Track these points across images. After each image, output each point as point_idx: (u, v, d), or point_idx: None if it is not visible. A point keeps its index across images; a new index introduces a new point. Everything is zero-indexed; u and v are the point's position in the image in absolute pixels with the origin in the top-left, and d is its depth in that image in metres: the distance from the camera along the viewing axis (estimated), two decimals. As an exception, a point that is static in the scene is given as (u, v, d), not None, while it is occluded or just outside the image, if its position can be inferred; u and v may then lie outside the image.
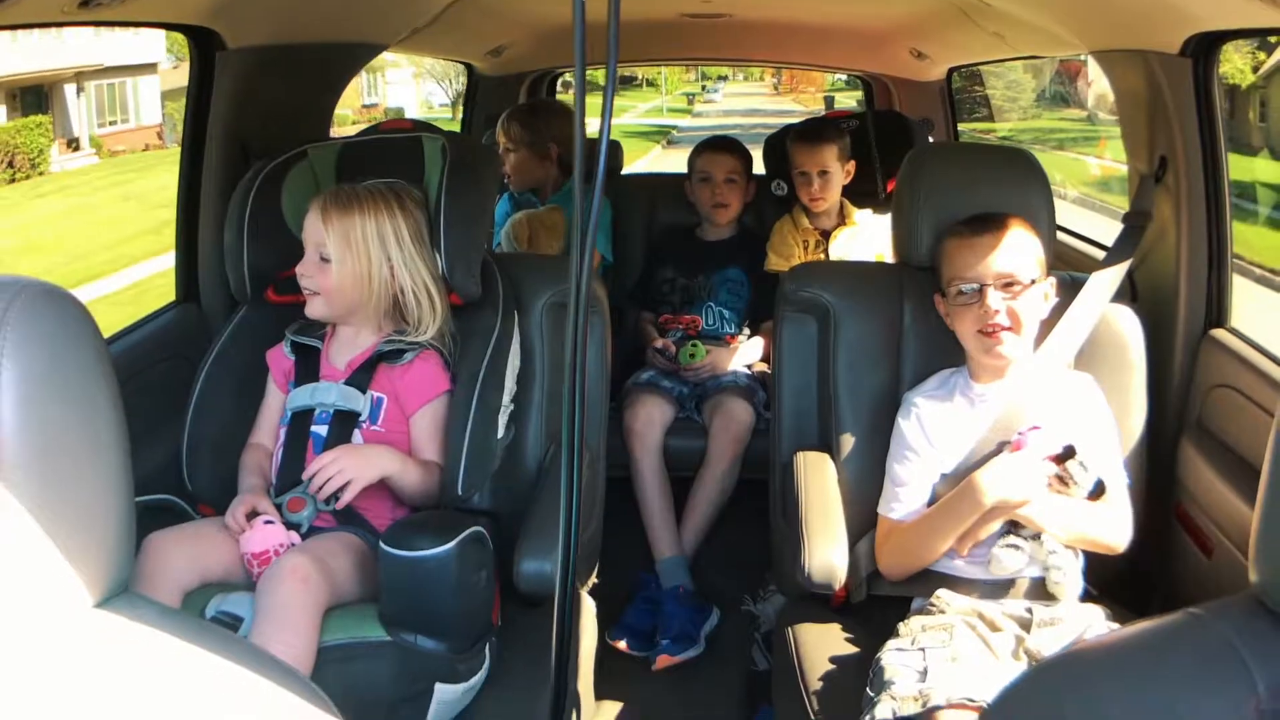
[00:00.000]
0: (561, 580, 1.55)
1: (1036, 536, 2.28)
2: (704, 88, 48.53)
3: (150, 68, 29.80)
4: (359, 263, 2.43)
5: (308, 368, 2.54)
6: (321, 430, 2.46)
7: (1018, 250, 2.40)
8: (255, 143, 2.96)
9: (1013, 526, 2.29)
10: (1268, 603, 1.04)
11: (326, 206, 2.43)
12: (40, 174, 24.80)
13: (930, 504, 2.41)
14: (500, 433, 2.48)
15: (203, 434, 2.55)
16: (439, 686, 2.14)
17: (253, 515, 2.33)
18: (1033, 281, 2.39)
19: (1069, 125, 25.32)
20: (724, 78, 47.02)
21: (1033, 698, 1.15)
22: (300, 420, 2.49)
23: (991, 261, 2.39)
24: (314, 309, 2.48)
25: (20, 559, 1.21)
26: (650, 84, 45.81)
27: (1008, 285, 2.38)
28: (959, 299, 2.42)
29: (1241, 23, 2.32)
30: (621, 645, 3.30)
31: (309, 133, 3.09)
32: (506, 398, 2.51)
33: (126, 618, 1.33)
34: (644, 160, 26.16)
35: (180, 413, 2.56)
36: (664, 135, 33.28)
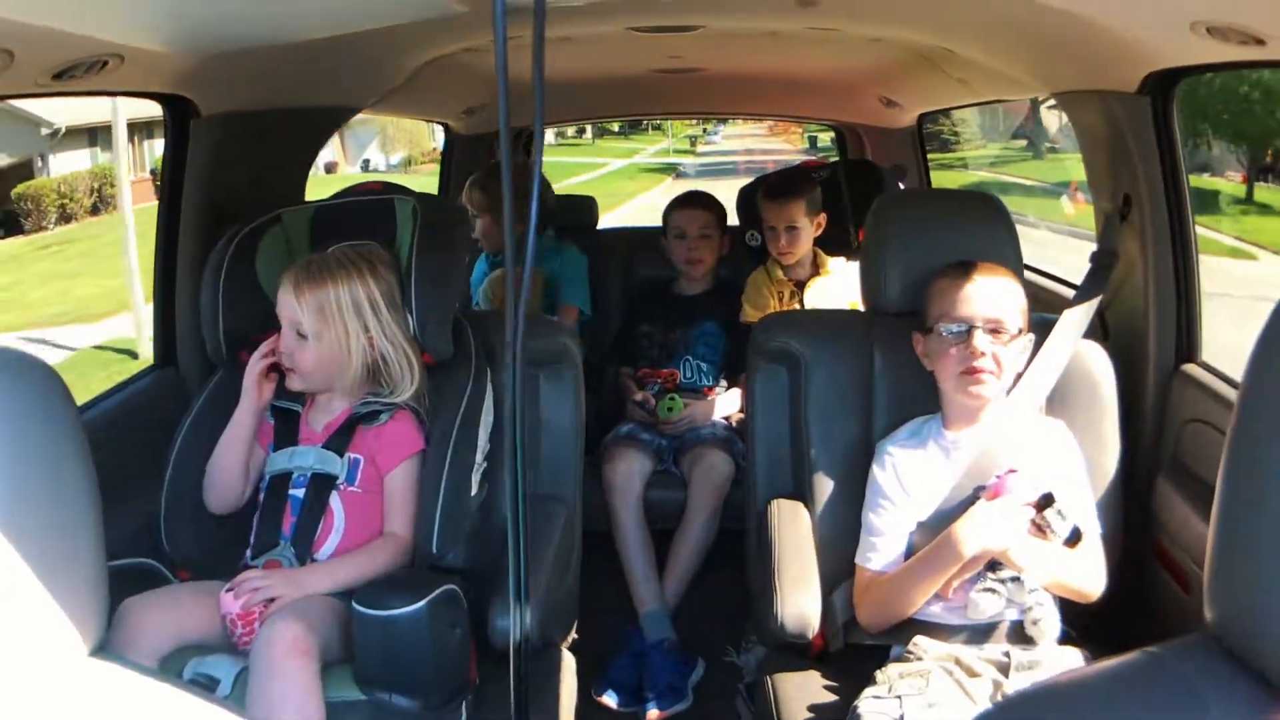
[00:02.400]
0: (514, 633, 1.56)
1: (1015, 579, 2.28)
2: (705, 131, 51.32)
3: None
4: (337, 335, 2.43)
5: (287, 432, 2.55)
6: (299, 493, 2.46)
7: (1006, 297, 2.42)
8: (230, 207, 2.97)
9: (990, 569, 2.29)
10: (1223, 640, 1.04)
11: (299, 281, 2.44)
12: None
13: (907, 552, 2.40)
14: (474, 490, 2.47)
15: (180, 497, 2.54)
16: None
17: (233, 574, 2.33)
18: (1020, 331, 2.41)
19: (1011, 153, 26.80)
20: (723, 122, 48.23)
21: None
22: (279, 483, 2.49)
23: (983, 304, 2.40)
24: (293, 384, 2.49)
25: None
26: (657, 128, 48.77)
27: (995, 331, 2.39)
28: (944, 339, 2.43)
29: (1196, 59, 2.35)
30: (607, 700, 3.27)
31: (284, 196, 3.10)
32: (479, 456, 2.51)
33: (114, 668, 1.33)
34: (658, 189, 28.91)
35: (158, 477, 2.56)
36: (672, 170, 36.88)
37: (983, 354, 2.37)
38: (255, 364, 2.48)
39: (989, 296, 2.41)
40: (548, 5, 1.21)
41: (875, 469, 2.50)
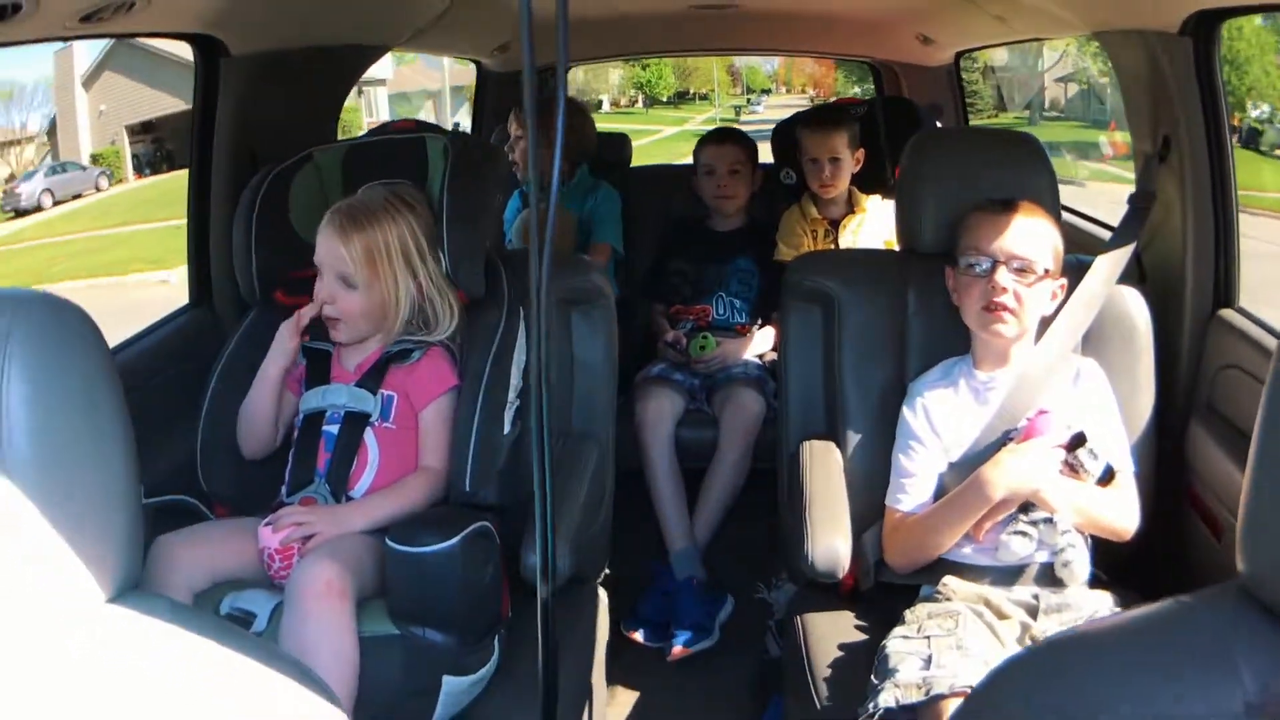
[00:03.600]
0: (541, 568, 1.56)
1: (1047, 520, 2.27)
2: (749, 101, 51.83)
3: (382, 81, 33.25)
4: (386, 284, 2.44)
5: (318, 371, 2.56)
6: (333, 429, 2.48)
7: (1037, 237, 2.40)
8: (262, 147, 2.98)
9: (1022, 511, 2.29)
10: (1255, 593, 1.03)
11: (344, 226, 2.42)
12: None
13: (937, 493, 2.41)
14: (506, 428, 2.48)
15: (216, 436, 2.57)
16: (447, 679, 2.16)
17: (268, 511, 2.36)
18: (1046, 273, 2.39)
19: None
20: (767, 91, 52.20)
21: (1017, 683, 1.15)
22: (312, 422, 2.51)
23: (1009, 240, 2.39)
24: (339, 334, 2.50)
25: (32, 556, 1.24)
26: (704, 99, 50.42)
27: (1021, 270, 2.38)
28: (969, 271, 2.42)
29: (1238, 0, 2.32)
30: (636, 636, 3.31)
31: (315, 136, 3.10)
32: (512, 394, 2.51)
33: (138, 613, 1.35)
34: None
35: (195, 415, 2.58)
36: None
37: (1004, 290, 2.36)
38: (295, 322, 2.47)
39: (1019, 233, 2.40)
40: None
41: (905, 410, 2.50)
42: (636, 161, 5.03)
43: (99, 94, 26.45)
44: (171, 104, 25.27)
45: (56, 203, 24.76)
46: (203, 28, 2.69)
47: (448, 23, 3.71)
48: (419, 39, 3.85)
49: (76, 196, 25.14)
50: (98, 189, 24.88)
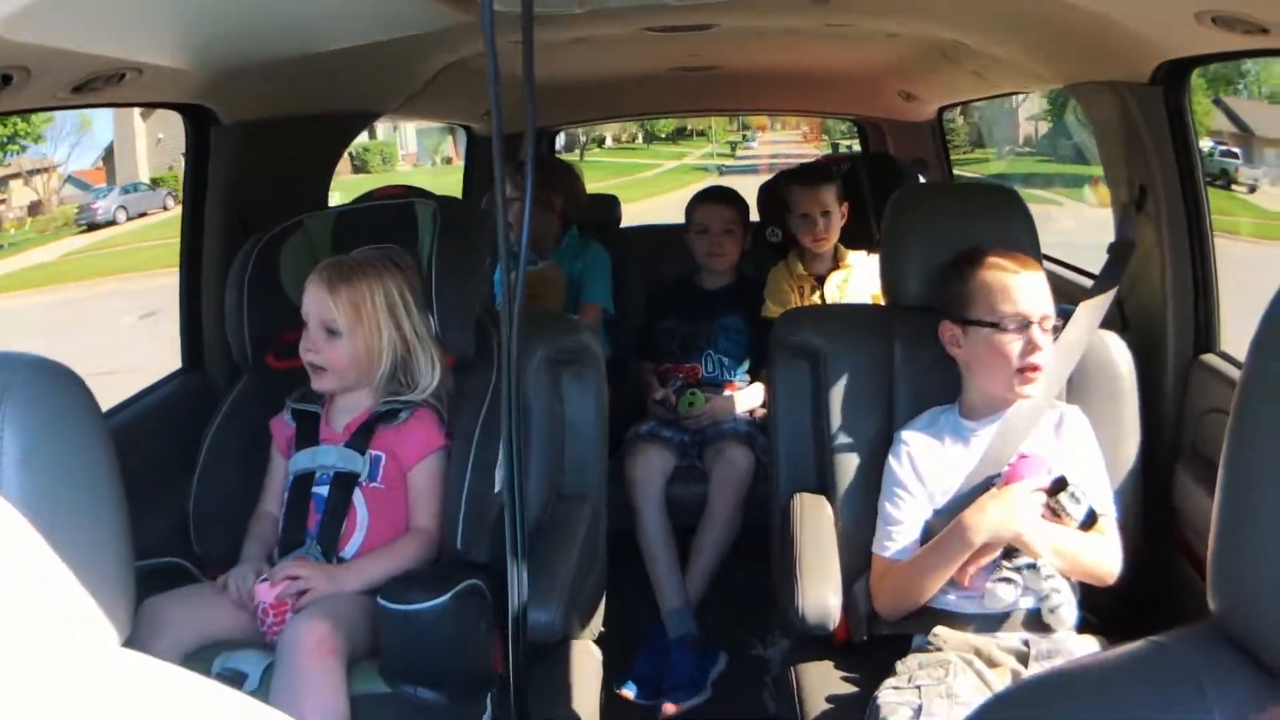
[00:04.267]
0: (514, 626, 1.58)
1: (1031, 566, 2.29)
2: (744, 137, 53.88)
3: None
4: (369, 332, 2.46)
5: (307, 433, 2.58)
6: (322, 491, 2.49)
7: (1047, 292, 2.42)
8: (253, 213, 3.01)
9: (1005, 557, 2.30)
10: (1226, 629, 1.04)
11: (331, 278, 2.46)
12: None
13: (923, 540, 2.42)
14: (497, 487, 2.49)
15: (209, 499, 2.58)
16: None
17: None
18: (1057, 325, 2.43)
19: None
20: (761, 129, 53.43)
21: None
22: (302, 483, 2.52)
23: (1036, 298, 2.39)
24: (322, 384, 2.52)
25: (21, 612, 1.25)
26: (700, 135, 52.45)
27: (1041, 326, 2.39)
28: (1000, 331, 2.39)
29: (1207, 48, 2.36)
30: (628, 694, 3.30)
31: (306, 201, 3.14)
32: (502, 453, 2.53)
33: (128, 671, 1.36)
34: (705, 181, 30.76)
35: (188, 478, 2.60)
36: (716, 170, 39.15)
37: (1041, 349, 2.37)
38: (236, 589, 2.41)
39: (1039, 289, 2.41)
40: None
41: (891, 459, 2.51)
42: (646, 190, 5.09)
43: (156, 124, 28.30)
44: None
45: (130, 218, 27.15)
46: (193, 98, 2.72)
47: (437, 89, 3.75)
48: (410, 105, 3.90)
49: (142, 215, 27.44)
50: (165, 208, 26.94)
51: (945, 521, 2.37)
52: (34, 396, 1.35)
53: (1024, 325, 2.38)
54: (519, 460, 1.51)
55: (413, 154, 37.25)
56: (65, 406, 1.41)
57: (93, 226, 26.78)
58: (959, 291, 2.49)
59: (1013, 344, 2.39)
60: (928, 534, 2.42)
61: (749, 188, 4.57)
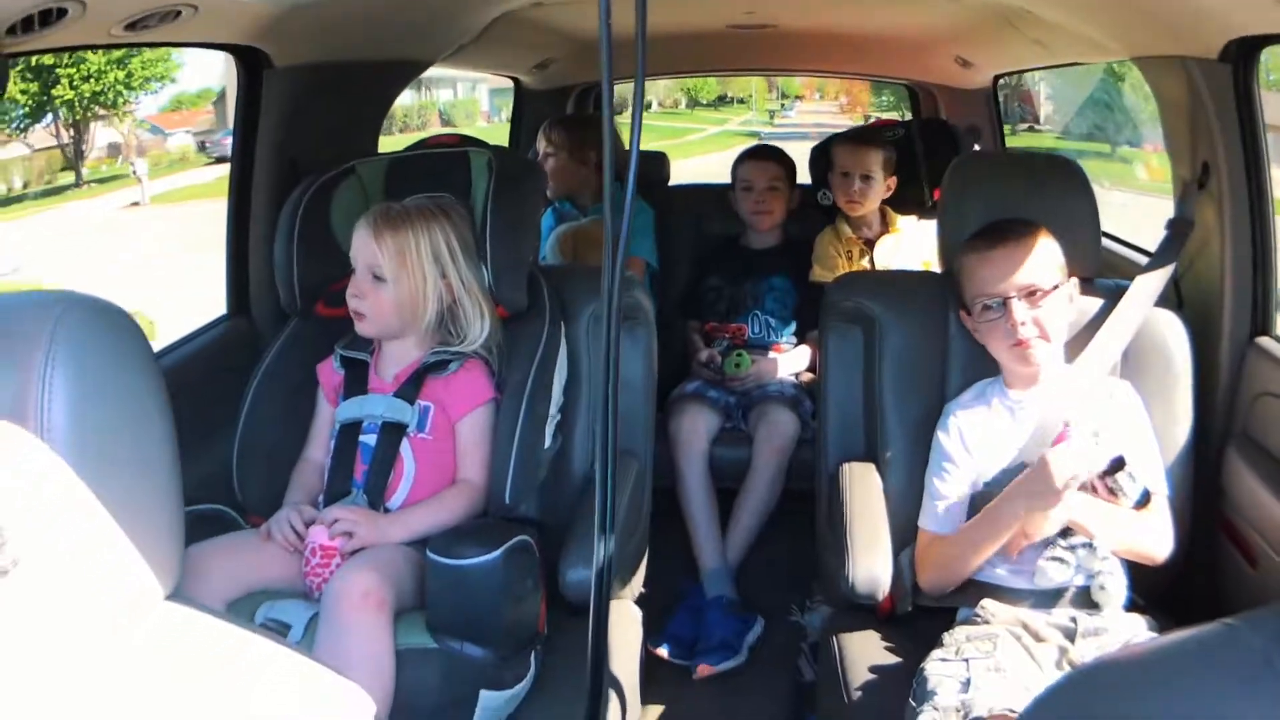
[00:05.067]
0: (596, 586, 1.57)
1: (1086, 545, 2.26)
2: (782, 106, 55.63)
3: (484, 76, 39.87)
4: (414, 280, 2.45)
5: (356, 381, 2.57)
6: (370, 439, 2.49)
7: (1036, 258, 2.40)
8: (304, 159, 3.00)
9: (1061, 536, 2.28)
10: None
11: (378, 224, 2.45)
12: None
13: (970, 514, 2.40)
14: (547, 442, 2.51)
15: (253, 445, 2.58)
16: (484, 693, 2.16)
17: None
18: (1055, 287, 2.39)
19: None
20: (800, 98, 55.74)
21: (1062, 707, 1.14)
22: (349, 431, 2.52)
23: (1013, 273, 2.39)
24: (365, 328, 2.51)
25: (72, 558, 1.24)
26: (741, 102, 55.38)
27: (1030, 295, 2.37)
28: (985, 315, 2.43)
29: (1278, 28, 2.31)
30: (662, 653, 3.29)
31: (357, 149, 3.12)
32: (553, 407, 2.53)
33: (180, 618, 1.36)
34: (732, 151, 32.75)
35: (231, 424, 2.60)
36: (755, 135, 41.45)
37: (1023, 323, 2.36)
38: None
39: (1016, 261, 2.40)
40: None
41: (939, 432, 2.50)
42: (700, 149, 5.07)
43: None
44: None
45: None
46: (247, 39, 2.70)
47: (489, 40, 3.73)
48: (459, 55, 3.87)
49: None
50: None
51: (993, 495, 2.34)
52: (85, 337, 1.34)
53: (1002, 303, 2.39)
54: (614, 431, 1.50)
55: (485, 111, 38.74)
56: (117, 347, 1.40)
57: (220, 159, 27.77)
58: (956, 279, 2.53)
59: (995, 324, 2.41)
60: (975, 508, 2.40)
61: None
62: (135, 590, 1.33)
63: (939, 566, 2.40)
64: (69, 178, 28.10)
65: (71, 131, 28.17)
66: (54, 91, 26.78)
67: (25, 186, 27.07)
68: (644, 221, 4.28)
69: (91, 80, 25.44)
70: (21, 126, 27.24)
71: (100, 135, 29.32)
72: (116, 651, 1.24)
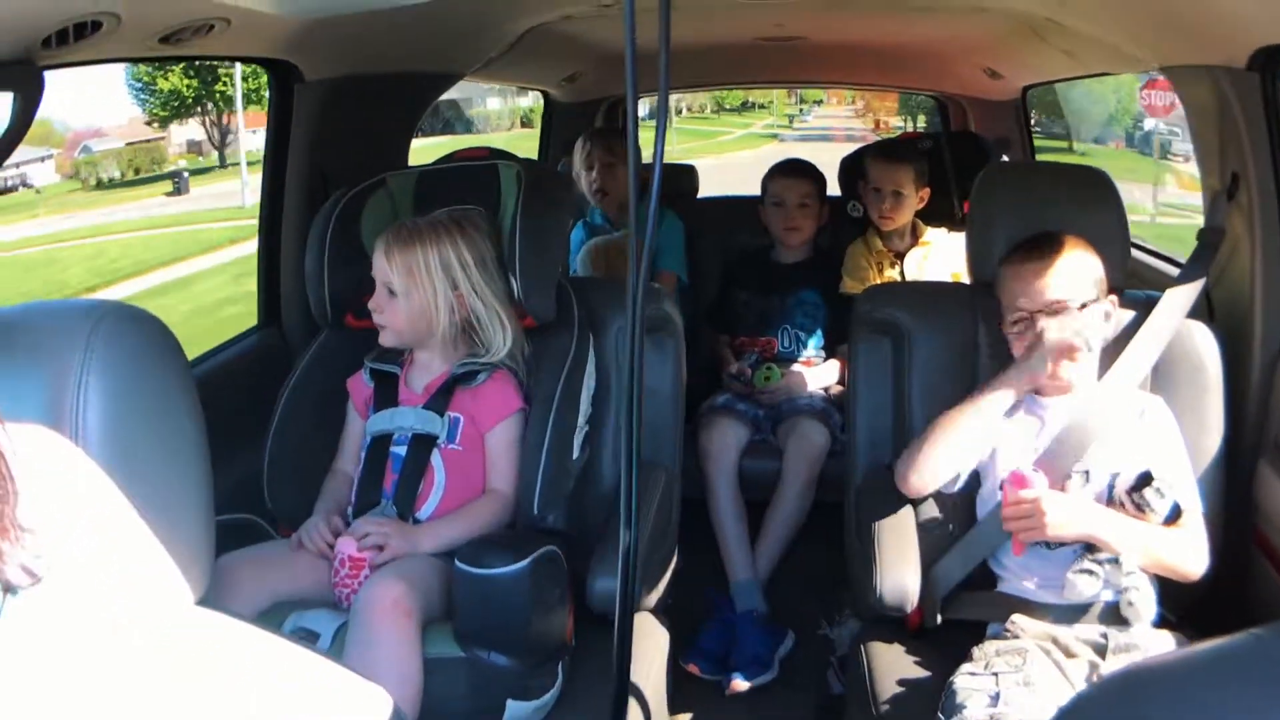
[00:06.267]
0: (622, 596, 1.57)
1: (1113, 560, 2.25)
2: (800, 111, 59.52)
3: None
4: (423, 293, 2.47)
5: (386, 393, 2.58)
6: (400, 451, 2.50)
7: (1069, 273, 2.40)
8: (335, 171, 3.02)
9: (1088, 549, 2.27)
10: None
11: (389, 243, 2.49)
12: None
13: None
14: (576, 453, 2.51)
15: (283, 455, 2.59)
16: (511, 703, 2.17)
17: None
18: (1085, 305, 2.39)
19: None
20: (818, 102, 59.27)
21: (1086, 718, 1.13)
22: (379, 444, 2.53)
23: (1041, 288, 2.40)
24: (385, 338, 2.54)
25: (102, 563, 1.25)
26: (763, 107, 59.10)
27: (1057, 312, 2.38)
28: (1014, 328, 2.44)
29: (1310, 35, 2.30)
30: (694, 669, 3.28)
31: (388, 161, 3.15)
32: (582, 419, 2.54)
33: (209, 625, 1.36)
34: (766, 147, 34.62)
35: (262, 434, 2.61)
36: (775, 137, 44.78)
37: (1046, 340, 2.37)
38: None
39: (1047, 276, 2.40)
40: None
41: None
42: (734, 147, 5.08)
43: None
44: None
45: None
46: (279, 53, 2.73)
47: (518, 53, 3.75)
48: (490, 68, 3.89)
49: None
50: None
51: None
52: (120, 345, 1.36)
53: (1029, 317, 2.41)
54: (638, 436, 1.50)
55: (528, 120, 41.05)
56: (152, 355, 1.41)
57: None
58: (996, 291, 2.55)
59: (1023, 338, 2.43)
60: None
61: (808, 156, 4.52)
62: (165, 595, 1.34)
63: (918, 444, 2.45)
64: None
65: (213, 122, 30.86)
66: (215, 87, 29.21)
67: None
68: (675, 237, 4.29)
69: (248, 80, 26.91)
70: (181, 115, 30.70)
71: (176, 133, 31.44)
72: (144, 656, 1.25)
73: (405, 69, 3.23)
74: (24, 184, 26.85)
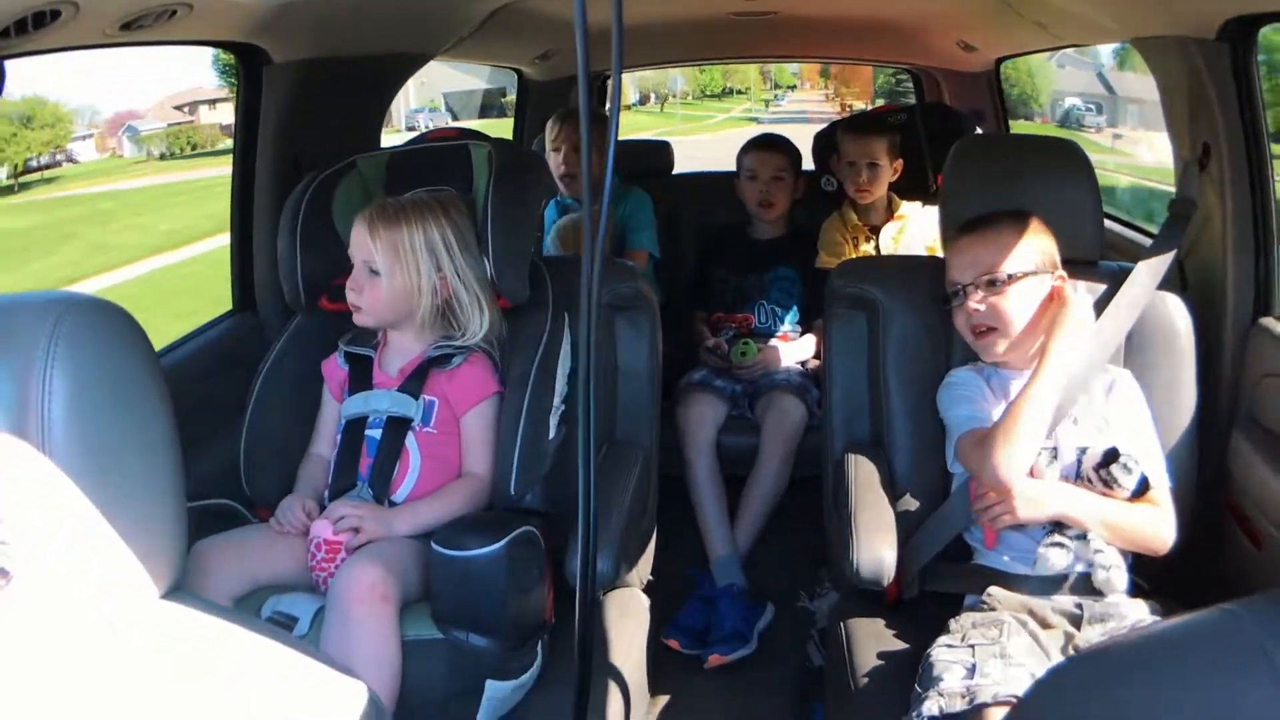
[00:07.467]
0: (582, 576, 1.58)
1: (1082, 536, 2.26)
2: (775, 96, 64.34)
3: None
4: (408, 274, 2.46)
5: (361, 376, 2.58)
6: (375, 434, 2.50)
7: (1003, 246, 2.40)
8: (305, 154, 3.00)
9: (1057, 526, 2.28)
10: None
11: (373, 220, 2.47)
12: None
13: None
14: (552, 433, 2.50)
15: (260, 439, 2.59)
16: (490, 683, 2.18)
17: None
18: (1014, 276, 2.39)
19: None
20: (792, 87, 65.96)
21: (1061, 693, 1.14)
22: (354, 427, 2.53)
23: (970, 261, 2.43)
24: (362, 319, 2.52)
25: (75, 553, 1.25)
26: (741, 93, 64.56)
27: (990, 283, 2.39)
28: (952, 301, 2.47)
29: (1275, 4, 2.30)
30: (674, 644, 3.28)
31: (358, 143, 3.13)
32: (557, 399, 2.53)
33: (185, 612, 1.36)
34: (743, 130, 36.78)
35: (238, 419, 2.60)
36: (754, 120, 48.24)
37: (976, 310, 2.39)
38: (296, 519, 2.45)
39: (979, 249, 2.43)
40: None
41: (942, 391, 2.52)
42: (717, 127, 5.05)
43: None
44: (462, 80, 39.45)
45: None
46: (245, 37, 2.71)
47: (490, 31, 3.73)
48: (461, 47, 3.87)
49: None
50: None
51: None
52: (85, 337, 1.35)
53: (959, 289, 2.44)
54: (592, 410, 1.50)
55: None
56: (117, 346, 1.41)
57: (410, 130, 32.27)
58: None
59: (958, 311, 2.46)
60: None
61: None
62: (134, 585, 1.34)
63: (1010, 439, 2.26)
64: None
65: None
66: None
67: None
68: (644, 213, 4.26)
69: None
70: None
71: (206, 115, 34.72)
72: (116, 648, 1.25)
73: (374, 50, 3.21)
74: (70, 159, 30.03)
